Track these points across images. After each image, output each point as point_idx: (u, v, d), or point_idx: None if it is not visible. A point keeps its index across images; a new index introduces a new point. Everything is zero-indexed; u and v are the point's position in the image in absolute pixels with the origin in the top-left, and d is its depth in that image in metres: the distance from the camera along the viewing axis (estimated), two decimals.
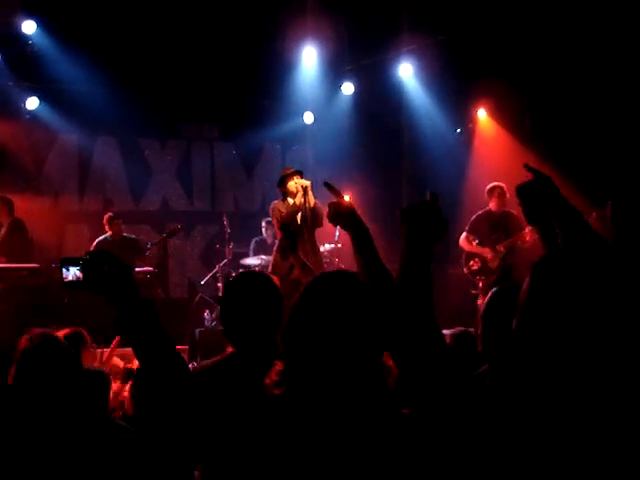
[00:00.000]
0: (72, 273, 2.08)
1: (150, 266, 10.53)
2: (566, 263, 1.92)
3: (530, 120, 11.07)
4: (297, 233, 7.80)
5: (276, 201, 8.38)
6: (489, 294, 2.89)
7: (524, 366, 1.91)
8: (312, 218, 8.05)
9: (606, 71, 9.48)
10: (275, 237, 11.11)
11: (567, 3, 9.52)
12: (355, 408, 1.88)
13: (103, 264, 2.02)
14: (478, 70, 10.91)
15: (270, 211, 8.38)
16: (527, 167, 2.83)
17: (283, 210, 8.11)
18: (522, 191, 2.75)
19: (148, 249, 10.78)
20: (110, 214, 10.66)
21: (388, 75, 12.10)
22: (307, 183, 8.10)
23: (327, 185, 2.74)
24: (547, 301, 1.87)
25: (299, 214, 8.08)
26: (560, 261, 1.94)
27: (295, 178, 8.23)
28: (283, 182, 8.32)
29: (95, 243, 10.35)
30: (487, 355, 2.80)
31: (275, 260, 8.03)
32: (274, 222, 8.33)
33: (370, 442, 1.84)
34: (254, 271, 7.96)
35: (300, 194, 8.08)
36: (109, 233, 10.49)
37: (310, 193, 8.09)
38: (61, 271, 2.11)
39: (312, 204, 8.06)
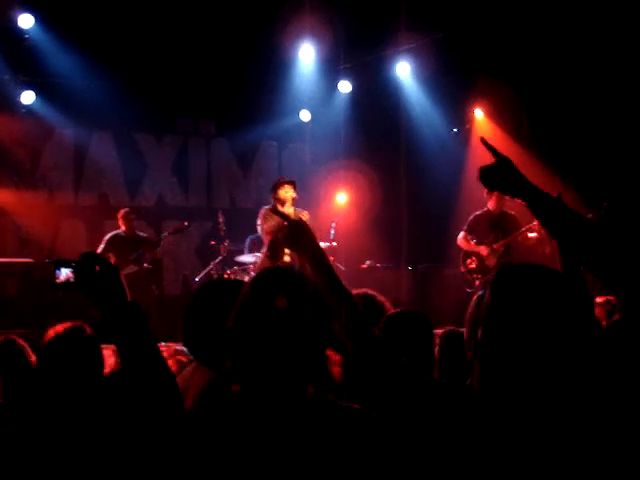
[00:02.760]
0: (64, 274, 2.09)
1: (145, 262, 10.49)
2: (524, 276, 1.93)
3: (528, 120, 11.07)
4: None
5: (267, 207, 8.96)
6: (474, 298, 2.86)
7: (489, 375, 1.92)
8: None
9: (604, 71, 9.48)
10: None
11: (566, 2, 9.52)
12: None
13: (94, 266, 2.04)
14: (475, 70, 10.92)
15: (260, 216, 8.97)
16: (483, 142, 2.74)
17: (272, 218, 8.65)
18: (483, 175, 2.64)
19: (159, 245, 10.72)
20: (127, 209, 10.54)
21: (385, 74, 12.10)
22: (294, 195, 8.78)
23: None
24: (505, 313, 1.89)
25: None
26: (518, 274, 1.95)
27: (286, 187, 8.83)
28: (276, 189, 8.90)
29: (107, 238, 10.25)
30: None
31: (262, 262, 8.78)
32: (262, 227, 8.94)
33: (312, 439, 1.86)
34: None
35: (288, 204, 8.75)
36: (122, 229, 10.35)
37: (291, 207, 8.77)
38: (54, 272, 2.11)
39: (295, 214, 8.61)
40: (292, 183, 8.92)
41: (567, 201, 2.51)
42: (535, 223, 8.92)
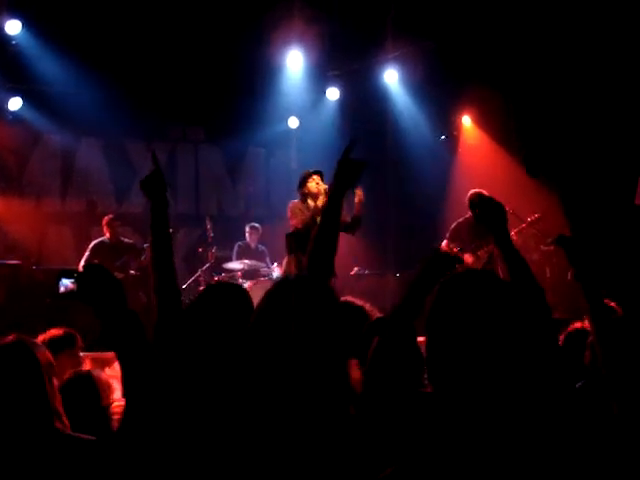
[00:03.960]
0: (66, 284, 2.21)
1: (131, 269, 10.46)
2: (468, 282, 1.95)
3: (515, 127, 11.11)
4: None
5: (295, 200, 8.11)
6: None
7: (434, 378, 1.94)
8: None
9: (592, 79, 9.52)
10: (258, 242, 11.14)
11: (553, 10, 9.56)
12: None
13: (97, 278, 2.12)
14: (463, 77, 10.95)
15: (288, 210, 8.05)
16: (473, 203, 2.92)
17: (305, 211, 7.87)
18: (478, 202, 2.79)
19: (144, 253, 10.65)
20: (111, 216, 10.50)
21: (373, 81, 12.14)
22: (325, 186, 7.82)
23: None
24: (445, 318, 1.92)
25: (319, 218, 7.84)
26: (462, 280, 1.97)
27: (315, 178, 8.03)
28: (304, 183, 8.08)
29: (92, 246, 10.22)
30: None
31: (288, 264, 7.95)
32: (292, 220, 7.97)
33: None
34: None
35: (322, 197, 7.82)
36: (107, 236, 10.33)
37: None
38: (56, 282, 2.25)
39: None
40: (320, 173, 8.09)
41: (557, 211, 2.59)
42: (519, 229, 8.97)
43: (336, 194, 2.97)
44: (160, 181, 3.17)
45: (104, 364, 6.23)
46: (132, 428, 2.12)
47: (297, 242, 7.68)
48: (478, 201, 2.79)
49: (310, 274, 2.77)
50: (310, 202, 7.99)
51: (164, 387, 2.13)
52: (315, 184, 7.97)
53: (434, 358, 1.92)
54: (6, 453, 2.50)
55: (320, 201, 7.84)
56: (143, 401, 2.07)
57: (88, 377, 3.51)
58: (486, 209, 2.72)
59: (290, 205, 8.08)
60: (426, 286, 2.51)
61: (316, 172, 8.08)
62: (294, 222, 7.88)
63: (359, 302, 3.39)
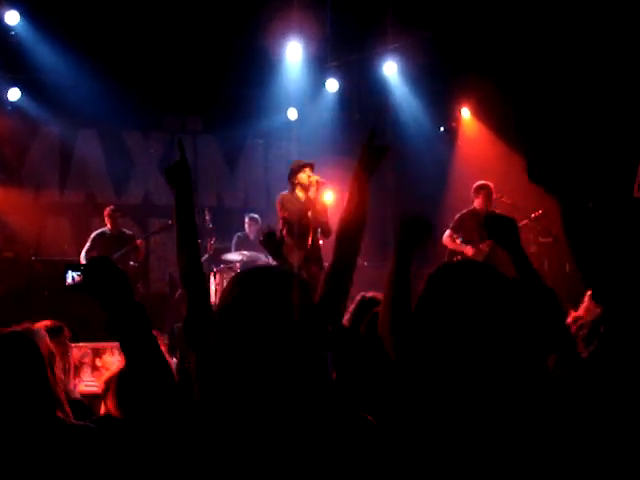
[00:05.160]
0: (73, 277, 2.25)
1: (130, 260, 10.46)
2: (456, 275, 1.96)
3: (514, 119, 11.10)
4: (306, 228, 7.79)
5: (284, 192, 8.15)
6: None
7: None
8: (319, 213, 7.98)
9: (592, 71, 9.51)
10: (257, 233, 11.12)
11: (555, 3, 9.55)
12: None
13: (102, 270, 2.13)
14: (462, 69, 10.94)
15: (277, 204, 8.08)
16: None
17: (295, 203, 7.94)
18: (489, 221, 2.85)
19: (139, 251, 10.65)
20: (112, 207, 10.52)
21: (372, 72, 12.12)
22: (318, 178, 7.95)
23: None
24: (434, 308, 1.92)
25: (310, 210, 7.90)
26: (451, 272, 1.99)
27: (307, 170, 8.05)
28: (295, 173, 8.09)
29: (93, 236, 10.25)
30: None
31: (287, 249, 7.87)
32: (281, 213, 7.96)
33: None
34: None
35: (314, 189, 7.93)
36: (108, 227, 10.35)
37: (319, 189, 7.96)
38: (63, 275, 2.30)
39: (320, 198, 7.97)
40: (311, 165, 8.13)
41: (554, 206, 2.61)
42: (522, 224, 8.96)
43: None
44: (185, 170, 3.21)
45: (98, 354, 6.28)
46: (136, 417, 2.13)
47: (289, 232, 7.69)
48: (490, 221, 2.83)
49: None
50: (299, 193, 8.05)
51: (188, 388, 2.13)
52: (307, 176, 7.99)
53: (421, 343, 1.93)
54: (8, 443, 2.51)
55: (311, 193, 7.91)
56: (146, 392, 2.07)
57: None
58: (498, 227, 2.75)
59: (278, 198, 8.10)
60: (405, 258, 2.54)
61: (307, 164, 8.11)
62: (284, 214, 7.87)
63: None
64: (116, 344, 2.19)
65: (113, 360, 6.33)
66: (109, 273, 2.12)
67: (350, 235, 2.85)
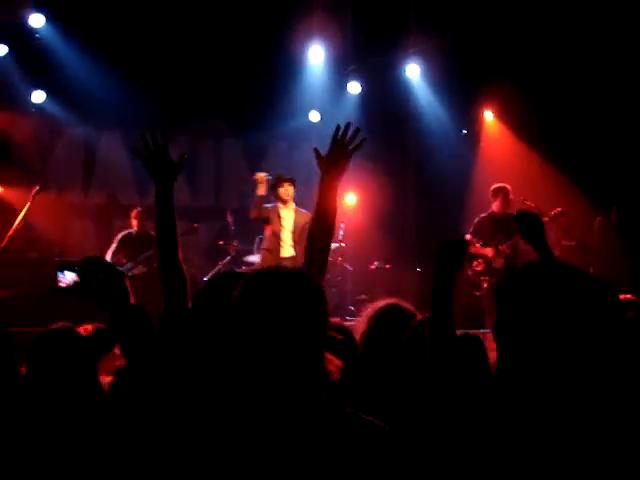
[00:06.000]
0: (67, 278, 2.13)
1: (155, 262, 10.48)
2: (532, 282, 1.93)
3: (537, 122, 11.06)
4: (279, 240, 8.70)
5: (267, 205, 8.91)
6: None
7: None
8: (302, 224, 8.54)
9: (614, 74, 9.46)
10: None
11: (577, 5, 9.50)
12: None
13: (98, 271, 2.09)
14: (485, 71, 10.91)
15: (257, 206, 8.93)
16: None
17: (270, 211, 8.80)
18: (520, 217, 2.96)
19: None
20: (139, 209, 10.57)
21: (395, 75, 12.10)
22: (293, 194, 8.80)
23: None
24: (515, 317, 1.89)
25: (291, 220, 8.75)
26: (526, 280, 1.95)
27: (285, 185, 8.75)
28: (275, 187, 8.82)
29: (120, 237, 10.29)
30: None
31: (264, 258, 8.87)
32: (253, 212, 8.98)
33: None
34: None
35: (291, 203, 8.79)
36: (134, 228, 10.41)
37: (292, 207, 8.82)
38: (57, 275, 2.18)
39: (296, 217, 8.73)
40: (291, 181, 8.84)
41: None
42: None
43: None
44: (165, 161, 3.07)
45: None
46: (133, 419, 2.11)
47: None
48: (521, 217, 2.94)
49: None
50: (280, 205, 8.84)
51: (166, 380, 2.08)
52: (284, 190, 8.77)
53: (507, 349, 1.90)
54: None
55: (289, 207, 8.79)
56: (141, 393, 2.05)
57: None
58: (528, 224, 2.76)
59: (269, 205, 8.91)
60: (447, 281, 2.49)
61: (288, 180, 8.86)
62: (253, 214, 8.90)
63: (408, 306, 3.32)
64: None
65: None
66: (104, 274, 2.08)
67: (320, 234, 2.82)
